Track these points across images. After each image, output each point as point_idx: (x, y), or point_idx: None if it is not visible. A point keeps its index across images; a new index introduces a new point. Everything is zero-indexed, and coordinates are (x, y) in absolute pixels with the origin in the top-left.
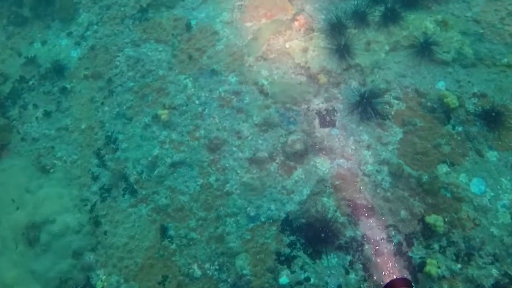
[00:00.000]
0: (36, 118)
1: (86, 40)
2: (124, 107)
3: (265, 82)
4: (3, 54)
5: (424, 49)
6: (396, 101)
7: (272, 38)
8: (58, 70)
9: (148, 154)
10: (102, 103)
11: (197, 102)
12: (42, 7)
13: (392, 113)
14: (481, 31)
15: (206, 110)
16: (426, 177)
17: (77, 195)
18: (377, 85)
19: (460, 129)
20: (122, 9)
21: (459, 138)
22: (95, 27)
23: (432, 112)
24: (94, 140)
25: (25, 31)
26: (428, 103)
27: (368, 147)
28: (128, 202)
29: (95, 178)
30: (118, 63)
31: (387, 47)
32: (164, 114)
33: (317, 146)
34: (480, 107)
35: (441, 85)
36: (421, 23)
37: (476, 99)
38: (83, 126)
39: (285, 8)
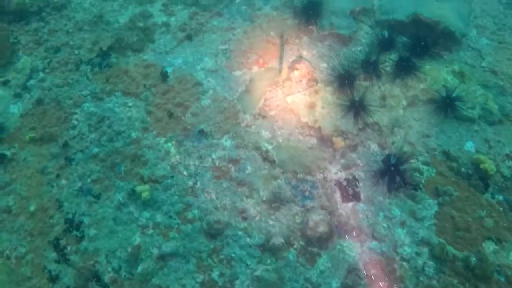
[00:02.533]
0: None
1: (30, 91)
2: (89, 181)
3: (269, 147)
4: None
5: (446, 105)
6: (425, 167)
7: (268, 90)
8: None
9: (127, 244)
10: (58, 176)
11: (185, 173)
12: None
13: (423, 181)
14: (501, 83)
15: (198, 184)
16: (474, 259)
17: None
18: (400, 148)
19: (500, 197)
20: (76, 52)
21: (501, 208)
22: (41, 74)
23: (466, 179)
24: (49, 226)
25: None
26: (462, 169)
27: (402, 224)
28: None
29: (53, 279)
30: (75, 122)
31: (404, 102)
32: (144, 191)
33: (342, 226)
34: None
35: (469, 145)
36: (438, 74)
37: (510, 161)
38: (32, 208)
39: (278, 53)
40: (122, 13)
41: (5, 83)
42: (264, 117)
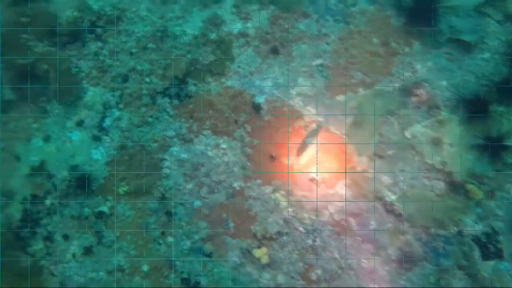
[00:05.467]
0: (74, 255)
1: (108, 133)
2: (197, 238)
3: (393, 197)
4: None
5: None
6: None
7: (381, 121)
8: (82, 181)
9: None
10: (163, 233)
11: (301, 228)
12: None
13: None
14: None
15: (318, 241)
16: None
17: None
18: None
19: None
20: (147, 79)
21: None
22: (116, 112)
23: None
24: (166, 286)
25: (13, 120)
26: None
27: None
28: None
29: None
30: (167, 170)
31: None
32: (263, 256)
33: None
34: None
35: None
36: None
37: None
38: (145, 268)
39: (388, 69)
40: (187, 20)
41: (80, 123)
42: (381, 157)
